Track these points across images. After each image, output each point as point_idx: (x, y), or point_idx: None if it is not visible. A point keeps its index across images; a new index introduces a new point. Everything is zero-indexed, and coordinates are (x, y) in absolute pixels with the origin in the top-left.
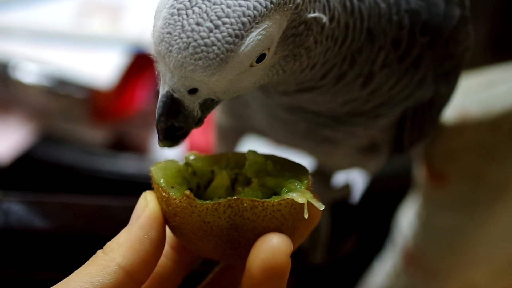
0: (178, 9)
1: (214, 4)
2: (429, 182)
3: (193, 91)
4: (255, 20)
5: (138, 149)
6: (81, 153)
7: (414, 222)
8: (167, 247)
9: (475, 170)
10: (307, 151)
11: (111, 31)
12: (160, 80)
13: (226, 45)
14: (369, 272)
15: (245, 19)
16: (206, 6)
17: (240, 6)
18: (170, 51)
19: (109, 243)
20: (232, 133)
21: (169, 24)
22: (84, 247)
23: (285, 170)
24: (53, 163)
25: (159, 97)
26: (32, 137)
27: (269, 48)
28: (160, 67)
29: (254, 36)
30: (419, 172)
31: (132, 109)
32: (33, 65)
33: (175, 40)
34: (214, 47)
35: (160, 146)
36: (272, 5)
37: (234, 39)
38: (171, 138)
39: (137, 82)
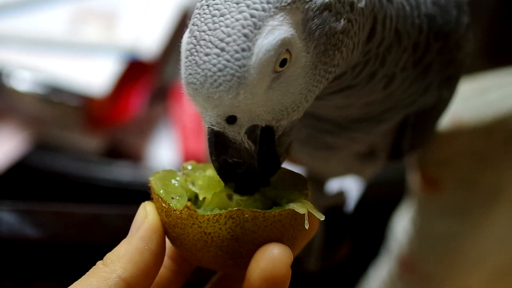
0: (189, 50)
1: (215, 30)
2: (423, 188)
3: (231, 120)
4: (256, 27)
5: (133, 156)
6: (76, 161)
7: (409, 229)
8: (165, 258)
9: (469, 177)
10: (302, 159)
11: (106, 38)
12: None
13: (236, 62)
14: (364, 279)
15: (246, 31)
16: (209, 35)
17: (237, 20)
18: (196, 89)
19: (109, 255)
20: None
21: (187, 66)
22: (77, 256)
23: (284, 180)
24: (48, 171)
25: None
26: (26, 145)
27: (287, 50)
28: (198, 109)
29: (261, 42)
30: (413, 179)
31: (127, 117)
32: (27, 73)
33: (196, 78)
34: (227, 69)
35: (240, 196)
36: (269, 5)
37: (242, 53)
38: (233, 179)
39: (131, 90)
